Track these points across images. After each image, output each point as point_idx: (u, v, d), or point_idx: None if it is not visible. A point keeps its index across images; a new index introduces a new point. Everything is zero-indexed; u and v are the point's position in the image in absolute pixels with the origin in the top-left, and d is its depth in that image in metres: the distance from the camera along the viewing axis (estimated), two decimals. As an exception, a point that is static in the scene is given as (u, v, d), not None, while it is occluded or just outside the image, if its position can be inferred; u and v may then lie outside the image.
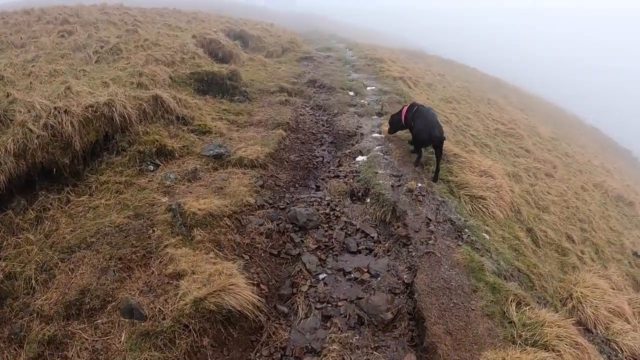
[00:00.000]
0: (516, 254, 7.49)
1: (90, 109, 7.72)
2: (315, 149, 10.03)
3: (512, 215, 9.08)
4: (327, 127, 11.15)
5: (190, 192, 7.32)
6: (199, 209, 6.63)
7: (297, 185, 8.60)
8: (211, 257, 5.92)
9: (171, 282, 5.42)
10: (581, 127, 37.14)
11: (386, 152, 9.43)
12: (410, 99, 13.59)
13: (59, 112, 7.23)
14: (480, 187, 8.49)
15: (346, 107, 12.24)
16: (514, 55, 65.94)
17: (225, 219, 6.74)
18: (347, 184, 8.33)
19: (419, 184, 8.04)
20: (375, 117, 11.88)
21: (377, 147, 9.59)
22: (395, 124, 9.14)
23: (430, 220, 7.09)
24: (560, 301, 6.85)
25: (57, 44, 13.23)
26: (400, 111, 8.87)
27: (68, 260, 5.68)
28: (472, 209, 8.02)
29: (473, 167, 9.33)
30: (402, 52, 30.30)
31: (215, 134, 9.57)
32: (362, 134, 10.42)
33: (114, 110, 8.00)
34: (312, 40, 25.30)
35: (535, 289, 6.75)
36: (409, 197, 7.62)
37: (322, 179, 8.85)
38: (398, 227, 7.10)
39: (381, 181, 8.10)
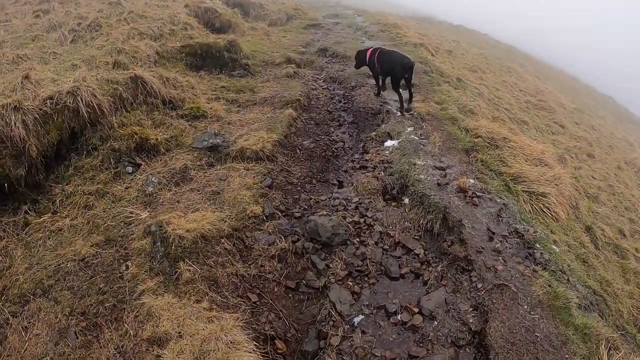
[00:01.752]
0: (586, 267, 5.94)
1: (49, 101, 5.89)
2: (333, 132, 7.97)
3: (571, 212, 7.06)
4: (344, 104, 9.03)
5: (178, 202, 5.53)
6: (188, 230, 4.72)
7: (314, 180, 6.61)
8: (204, 308, 3.97)
9: (150, 349, 3.68)
10: (596, 96, 34.56)
11: (421, 134, 7.38)
12: (436, 68, 11.39)
13: (6, 111, 5.22)
14: (539, 180, 6.64)
15: (365, 79, 10.08)
16: (523, 23, 62.23)
17: (223, 241, 4.83)
18: (377, 179, 6.37)
19: (471, 180, 6.00)
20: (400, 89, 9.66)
21: (409, 129, 7.51)
22: (361, 61, 8.99)
23: (493, 233, 5.16)
24: (635, 325, 5.56)
25: (30, 25, 11.10)
26: (366, 50, 8.85)
27: (21, 314, 4.10)
28: (533, 209, 6.22)
29: (525, 153, 7.42)
30: (412, 19, 27.67)
31: (210, 118, 7.54)
32: (387, 112, 8.33)
33: (80, 100, 6.07)
34: (317, 7, 22.74)
35: (612, 315, 5.28)
36: (462, 199, 5.71)
37: (345, 171, 6.86)
38: (452, 242, 5.21)
39: (422, 176, 6.11)
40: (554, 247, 5.34)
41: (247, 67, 10.08)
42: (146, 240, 4.68)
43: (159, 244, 4.52)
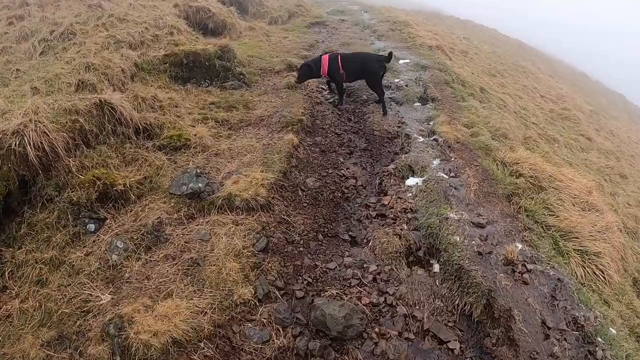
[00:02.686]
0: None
1: (-11, 145, 4.40)
2: (342, 163, 6.54)
3: (621, 265, 5.73)
4: (355, 123, 7.62)
5: (147, 279, 4.32)
6: (155, 334, 3.32)
7: (320, 235, 5.22)
8: None
9: None
10: (606, 93, 32.84)
11: (451, 170, 5.95)
12: (457, 76, 9.88)
13: None
14: (591, 234, 5.33)
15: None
16: (530, 15, 59.90)
17: (202, 345, 3.39)
18: (399, 236, 4.94)
19: (519, 244, 4.66)
20: (418, 104, 8.31)
21: (435, 162, 6.09)
22: (309, 74, 8.04)
23: (549, 328, 3.91)
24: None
25: (0, 35, 9.47)
26: (320, 60, 7.95)
27: None
28: (585, 274, 4.92)
29: (573, 194, 6.12)
30: (419, 14, 25.99)
31: (194, 147, 6.13)
32: (407, 135, 6.91)
33: (27, 142, 4.74)
34: (321, 3, 21.05)
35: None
36: (509, 276, 4.39)
37: (359, 221, 5.47)
38: (497, 340, 3.96)
39: (457, 237, 4.74)
40: (612, 330, 4.21)
41: (242, 76, 8.59)
42: (104, 346, 3.48)
43: (118, 358, 3.15)
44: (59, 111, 5.50)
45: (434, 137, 7.13)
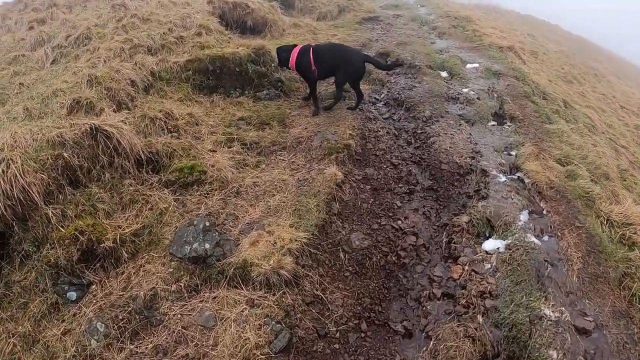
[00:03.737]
0: None
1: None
2: (399, 208, 4.87)
3: None
4: (416, 149, 5.91)
5: None
6: None
7: (364, 323, 3.70)
8: None
9: None
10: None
11: (543, 230, 4.29)
12: (536, 85, 7.97)
13: None
14: None
15: (442, 103, 6.94)
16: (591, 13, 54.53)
17: None
18: (473, 339, 3.38)
19: None
20: (493, 123, 6.55)
21: (522, 216, 4.45)
22: (284, 61, 6.52)
23: None
24: None
25: (19, 40, 8.45)
26: (291, 50, 6.45)
27: None
28: None
29: None
30: (477, 8, 23.39)
31: (210, 184, 4.65)
32: (484, 171, 5.15)
33: None
34: (371, -4, 19.03)
35: None
36: None
37: (417, 301, 3.86)
38: None
39: (554, 353, 3.34)
40: None
41: (279, 84, 7.05)
42: None
43: None
44: (41, 143, 4.17)
45: (518, 174, 5.35)
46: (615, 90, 15.57)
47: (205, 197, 4.66)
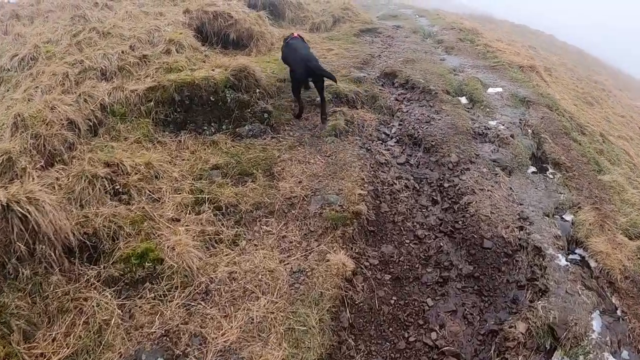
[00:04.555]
0: None
1: None
2: (430, 310, 3.36)
3: None
4: (445, 211, 4.44)
5: None
6: None
7: None
8: None
9: None
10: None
11: (622, 343, 2.54)
12: (570, 116, 6.63)
13: None
14: None
15: (470, 142, 5.46)
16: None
17: None
18: None
19: None
20: (533, 169, 5.09)
21: (595, 323, 2.83)
22: None
23: None
24: None
25: None
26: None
27: None
28: None
29: None
30: (471, 17, 22.07)
31: (169, 279, 3.04)
32: (537, 249, 3.61)
33: None
34: (367, 6, 17.55)
35: None
36: None
37: None
38: None
39: None
40: None
41: (265, 115, 5.49)
42: None
43: None
44: None
45: (578, 252, 3.93)
46: (625, 107, 14.30)
47: (162, 301, 3.10)
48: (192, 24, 7.73)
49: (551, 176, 5.15)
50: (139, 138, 4.84)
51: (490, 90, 6.99)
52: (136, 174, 4.22)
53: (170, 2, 9.33)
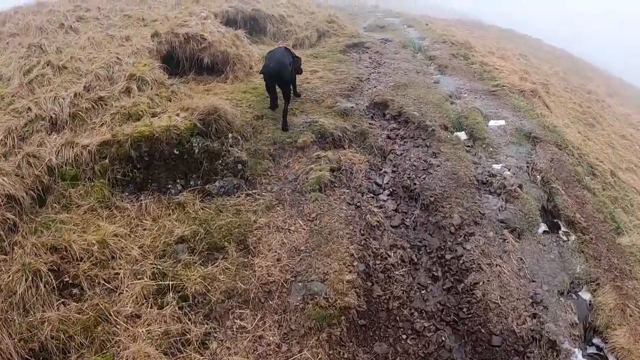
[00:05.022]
0: None
1: None
2: None
3: None
4: (447, 294, 3.76)
5: None
6: None
7: None
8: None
9: None
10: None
11: None
12: (578, 153, 5.94)
13: None
14: None
15: (474, 197, 4.87)
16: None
17: None
18: None
19: None
20: (544, 229, 4.44)
21: None
22: None
23: None
24: None
25: None
26: None
27: None
28: None
29: None
30: (459, 24, 21.67)
31: None
32: (551, 342, 2.91)
33: None
34: (353, 14, 16.78)
35: None
36: None
37: None
38: None
39: None
40: None
41: (239, 165, 4.76)
42: None
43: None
44: None
45: (596, 341, 3.38)
46: (619, 117, 13.81)
47: None
48: (160, 49, 6.95)
49: (565, 237, 4.52)
50: (93, 205, 4.09)
51: (492, 123, 6.32)
52: (89, 258, 3.50)
53: (139, 22, 8.52)
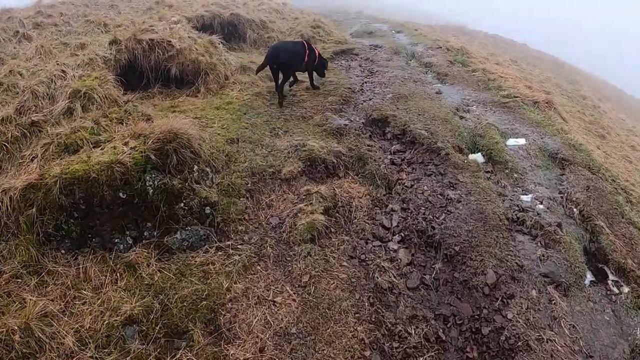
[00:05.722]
0: None
1: None
2: None
3: None
4: None
5: None
6: None
7: None
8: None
9: None
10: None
11: None
12: (611, 175, 4.92)
13: None
14: None
15: (505, 243, 3.82)
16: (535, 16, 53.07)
17: None
18: None
19: None
20: (592, 278, 3.56)
21: None
22: None
23: None
24: None
25: None
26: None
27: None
28: None
29: None
30: (446, 29, 21.06)
31: None
32: None
33: None
34: (338, 21, 15.78)
35: None
36: None
37: None
38: None
39: None
40: None
41: (207, 209, 3.69)
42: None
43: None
44: None
45: None
46: (619, 125, 13.11)
47: None
48: (119, 58, 5.83)
49: (616, 289, 3.56)
50: (18, 271, 2.98)
51: (511, 142, 5.33)
52: (8, 353, 2.39)
53: (101, 28, 7.39)
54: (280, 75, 6.06)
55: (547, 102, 6.69)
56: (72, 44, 6.24)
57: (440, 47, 10.41)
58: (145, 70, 6.06)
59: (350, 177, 4.64)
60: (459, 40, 14.04)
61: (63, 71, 4.81)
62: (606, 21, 51.36)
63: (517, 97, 6.77)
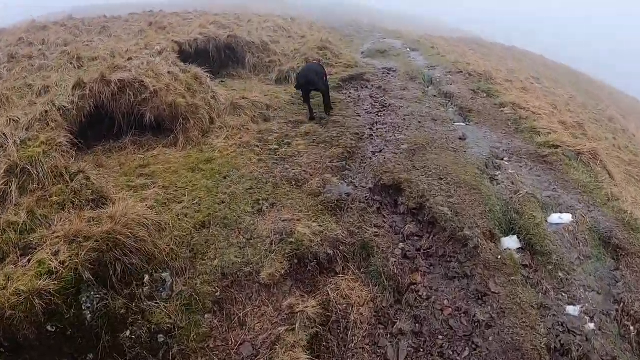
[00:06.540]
0: None
1: None
2: None
3: None
4: None
5: None
6: None
7: None
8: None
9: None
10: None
11: None
12: None
13: None
14: None
15: None
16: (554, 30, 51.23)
17: None
18: None
19: None
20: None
21: None
22: None
23: None
24: None
25: None
26: None
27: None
28: None
29: None
30: (461, 42, 20.05)
31: None
32: None
33: None
34: (349, 36, 14.73)
35: None
36: None
37: None
38: None
39: None
40: None
41: (161, 337, 2.76)
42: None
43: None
44: None
45: None
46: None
47: None
48: (83, 106, 4.90)
49: None
50: None
51: (554, 219, 4.21)
52: None
53: (74, 62, 6.45)
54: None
55: (591, 154, 5.53)
56: (36, 86, 5.32)
57: (461, 72, 9.30)
58: (116, 116, 5.11)
59: (350, 273, 3.61)
60: (477, 56, 12.91)
61: (4, 134, 3.84)
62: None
63: (556, 146, 5.62)
